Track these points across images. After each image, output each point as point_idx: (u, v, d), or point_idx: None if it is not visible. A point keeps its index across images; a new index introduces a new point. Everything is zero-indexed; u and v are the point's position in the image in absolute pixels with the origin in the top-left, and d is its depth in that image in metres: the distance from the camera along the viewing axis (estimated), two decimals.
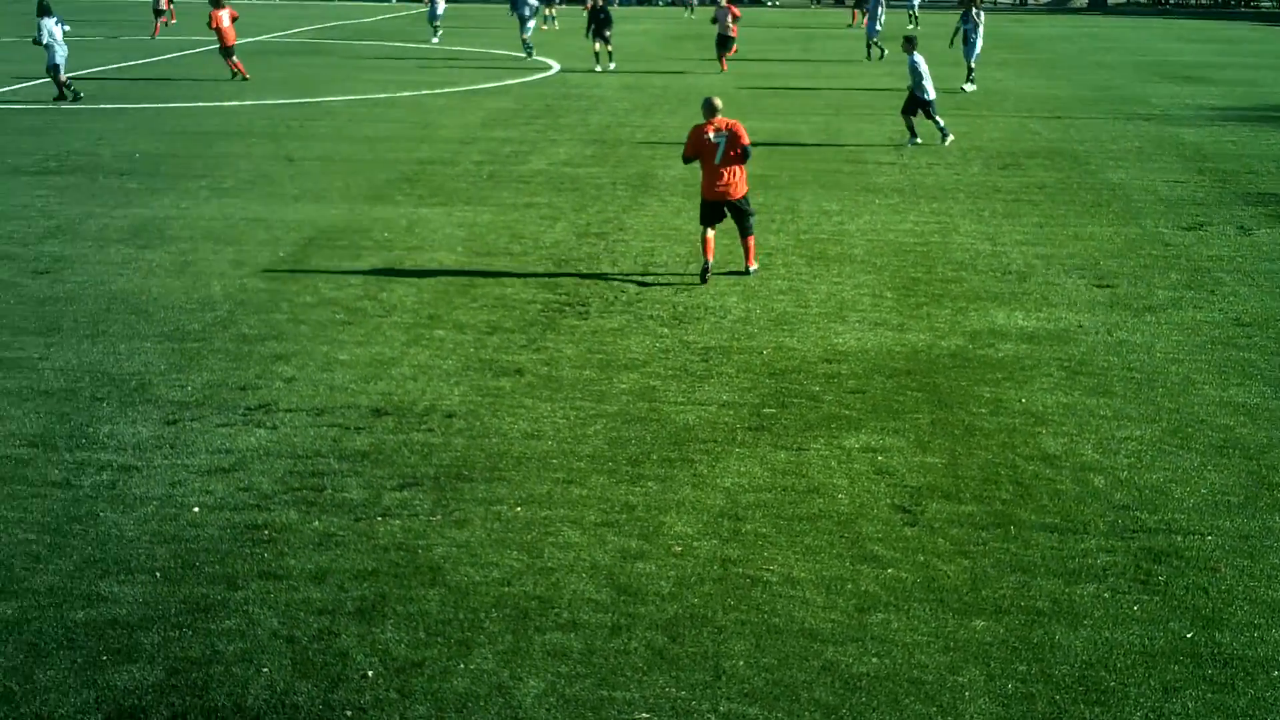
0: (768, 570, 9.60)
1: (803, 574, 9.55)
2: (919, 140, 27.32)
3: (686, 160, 17.11)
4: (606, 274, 17.41)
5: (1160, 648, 8.66)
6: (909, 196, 22.44)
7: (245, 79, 37.90)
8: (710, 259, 16.97)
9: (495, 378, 13.52)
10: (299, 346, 14.42)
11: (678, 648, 8.59)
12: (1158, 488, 11.02)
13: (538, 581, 9.42)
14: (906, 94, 27.56)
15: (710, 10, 43.94)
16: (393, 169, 24.60)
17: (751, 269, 17.28)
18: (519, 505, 10.60)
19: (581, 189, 22.95)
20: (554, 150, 26.92)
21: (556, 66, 42.99)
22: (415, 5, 69.45)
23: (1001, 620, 8.95)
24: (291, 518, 10.36)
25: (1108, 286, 16.93)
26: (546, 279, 17.18)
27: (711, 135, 16.69)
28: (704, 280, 16.85)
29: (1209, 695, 8.16)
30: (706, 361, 14.02)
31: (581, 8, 60.53)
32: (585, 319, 15.47)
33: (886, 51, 44.98)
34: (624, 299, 16.27)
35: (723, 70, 41.47)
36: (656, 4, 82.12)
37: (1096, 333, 15.08)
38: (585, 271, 17.56)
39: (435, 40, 51.05)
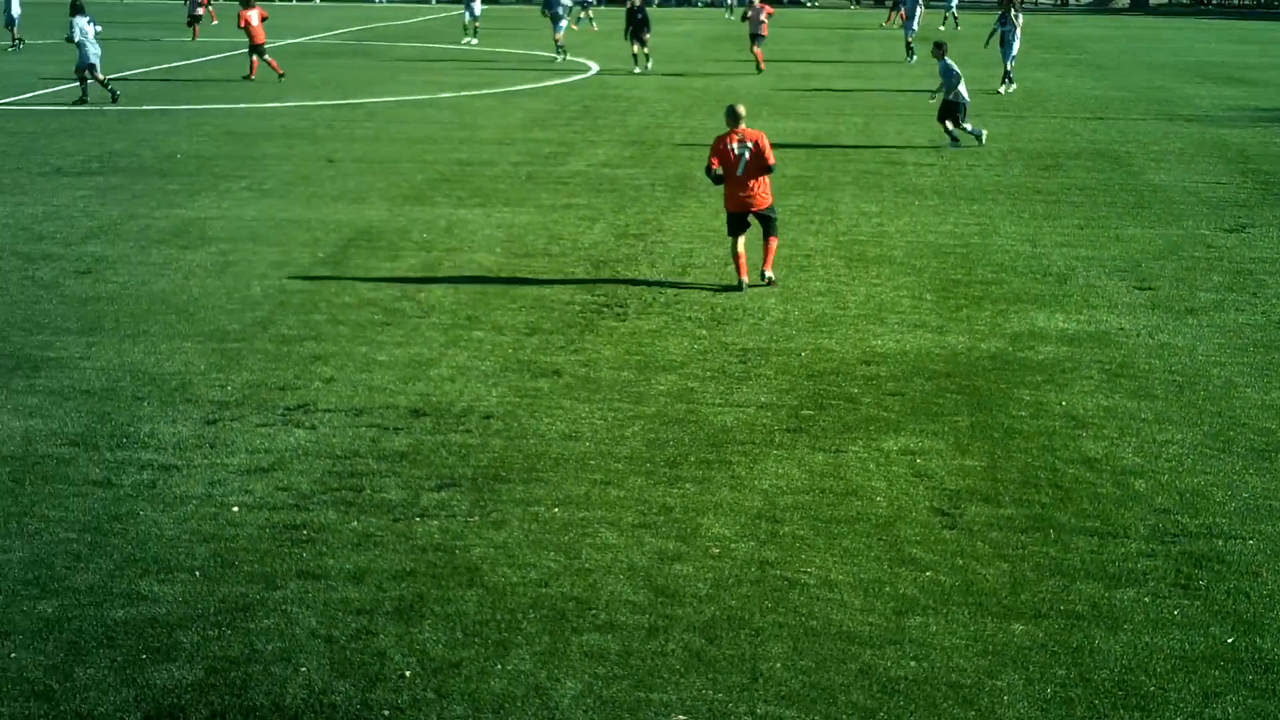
0: (805, 573, 9.57)
1: (840, 576, 9.52)
2: (960, 143, 27.20)
3: (711, 174, 16.42)
4: (645, 275, 17.41)
5: (1200, 652, 8.60)
6: (949, 198, 22.36)
7: (279, 77, 38.13)
8: (745, 278, 16.66)
9: (533, 379, 13.53)
10: (338, 347, 14.47)
11: (715, 650, 8.58)
12: (1199, 491, 10.94)
13: (575, 582, 9.42)
14: (940, 100, 27.38)
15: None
16: (432, 170, 24.66)
17: (767, 274, 16.71)
18: (556, 506, 10.61)
19: (620, 190, 22.96)
20: (593, 151, 26.94)
21: (595, 68, 43.03)
22: (455, 7, 69.62)
23: (1040, 624, 8.90)
24: (330, 518, 10.40)
25: (1149, 289, 16.83)
26: (585, 280, 17.19)
27: (735, 147, 16.42)
28: (741, 289, 16.65)
29: (1249, 701, 8.09)
30: (745, 363, 14.00)
31: (620, 8, 60.54)
32: (623, 320, 15.48)
33: (916, 57, 44.71)
34: (662, 300, 16.26)
35: (760, 70, 41.24)
36: (695, 5, 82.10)
37: (1138, 335, 14.99)
38: (624, 273, 17.57)
39: (473, 42, 51.09)
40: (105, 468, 11.31)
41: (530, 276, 17.34)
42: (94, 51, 32.60)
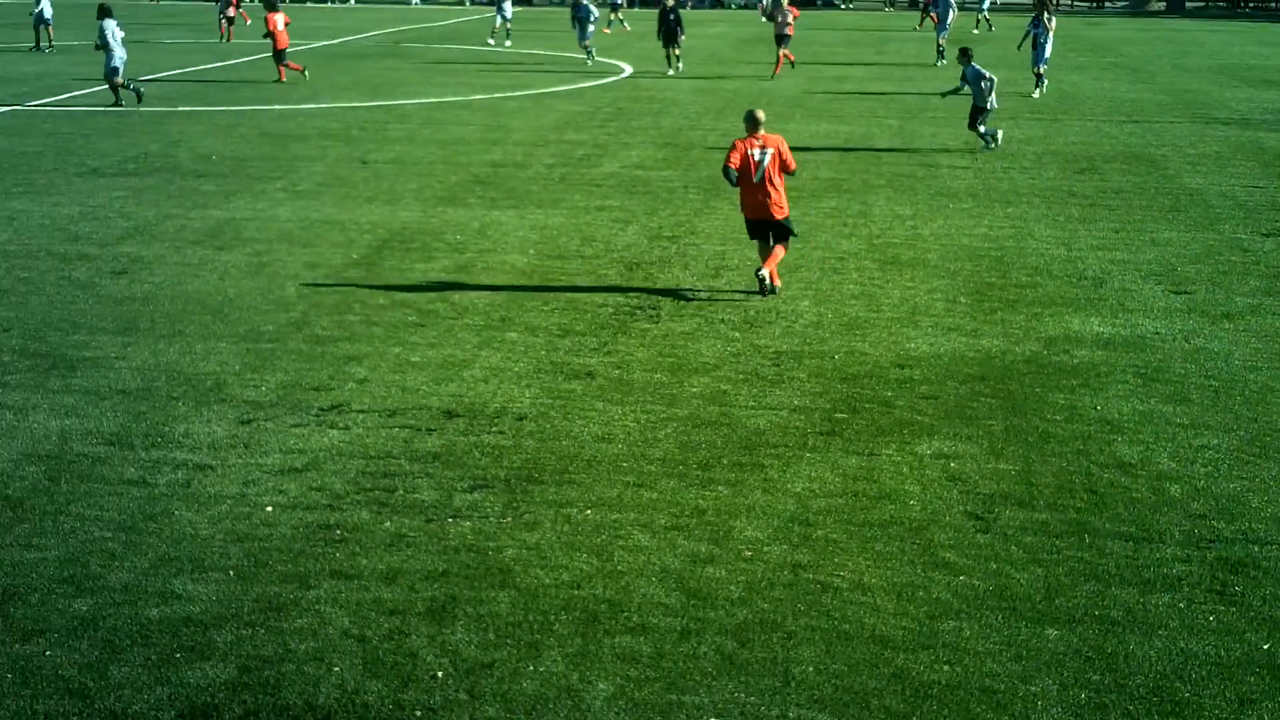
0: (838, 576, 9.55)
1: (874, 580, 9.50)
2: (991, 145, 27.10)
3: (729, 174, 16.01)
4: (678, 277, 17.40)
5: (1236, 659, 8.54)
6: (983, 201, 22.29)
7: (303, 75, 38.33)
8: (777, 283, 16.62)
9: (566, 380, 13.54)
10: (371, 348, 14.51)
11: (747, 653, 8.57)
12: (1235, 497, 10.87)
13: (607, 584, 9.42)
14: (952, 95, 27.30)
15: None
16: (465, 171, 24.71)
17: (763, 273, 16.24)
18: (589, 508, 10.61)
19: (653, 192, 22.96)
20: (626, 153, 26.95)
21: (628, 70, 43.04)
22: (489, 9, 69.73)
23: (1075, 629, 8.86)
24: (363, 518, 10.42)
25: (1185, 293, 16.74)
26: (618, 282, 17.19)
27: (755, 153, 16.08)
28: (772, 290, 16.62)
29: None
30: (778, 366, 13.98)
31: (654, 10, 60.49)
32: (656, 322, 15.47)
33: (946, 60, 44.45)
34: (695, 302, 16.26)
35: (776, 72, 40.77)
36: (729, 7, 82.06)
37: (1173, 340, 14.91)
38: (656, 275, 17.56)
39: (506, 44, 51.09)
40: (140, 467, 11.37)
41: (563, 278, 17.36)
42: (120, 56, 32.68)
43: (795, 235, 16.91)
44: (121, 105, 32.67)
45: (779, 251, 16.52)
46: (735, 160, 16.09)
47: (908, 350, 14.48)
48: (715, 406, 12.82)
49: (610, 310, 15.93)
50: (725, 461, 11.53)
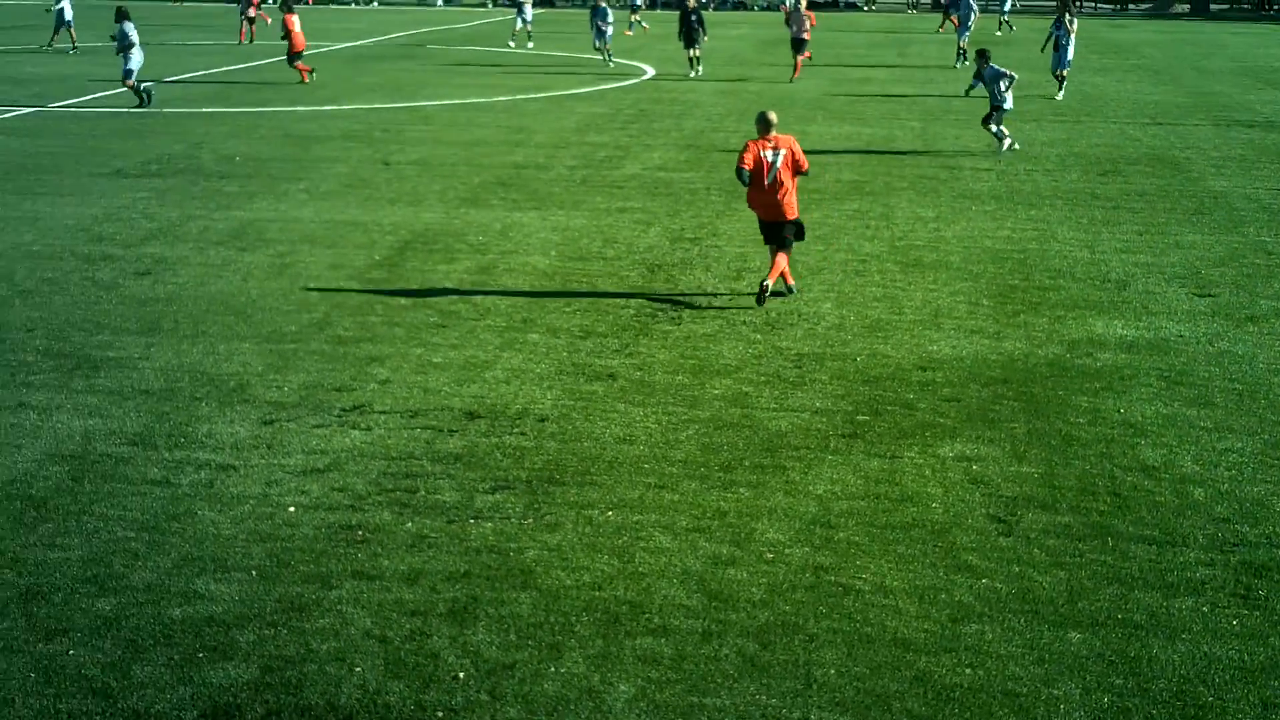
0: (860, 579, 9.54)
1: (896, 583, 9.48)
2: (1016, 145, 27.03)
3: (743, 175, 15.85)
4: (700, 279, 17.39)
5: (1260, 663, 8.51)
6: (1006, 203, 22.24)
7: (310, 79, 38.43)
8: (791, 282, 16.62)
9: (588, 382, 13.55)
10: (394, 349, 14.53)
11: (769, 655, 8.56)
12: (1259, 501, 10.83)
13: (629, 586, 9.42)
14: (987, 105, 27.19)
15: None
16: (487, 173, 24.74)
17: (768, 285, 15.93)
18: (610, 509, 10.61)
19: (675, 194, 22.96)
20: (648, 155, 26.95)
21: (650, 71, 43.04)
22: (510, 11, 69.79)
23: (1098, 633, 8.83)
24: (385, 519, 10.44)
25: (1209, 296, 16.68)
26: (640, 284, 17.19)
27: (768, 154, 15.95)
28: (790, 292, 16.58)
29: None
30: (800, 368, 13.97)
31: (676, 11, 60.45)
32: (678, 324, 15.47)
33: (966, 63, 44.21)
34: (717, 304, 16.25)
35: (795, 76, 40.50)
36: (752, 9, 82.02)
37: (1197, 343, 14.86)
38: (678, 277, 17.56)
39: (525, 46, 51.07)
40: (163, 467, 11.41)
41: (585, 280, 17.37)
42: (137, 60, 32.69)
43: (803, 239, 16.77)
44: (146, 106, 32.75)
45: (780, 261, 16.18)
46: (749, 162, 15.94)
47: (930, 353, 14.45)
48: (737, 408, 12.82)
49: (632, 312, 15.93)
50: (747, 463, 11.52)
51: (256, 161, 25.80)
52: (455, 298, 16.50)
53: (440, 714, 7.95)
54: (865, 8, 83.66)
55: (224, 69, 42.62)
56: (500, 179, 24.20)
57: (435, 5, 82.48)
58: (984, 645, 8.69)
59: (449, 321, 15.52)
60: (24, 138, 28.47)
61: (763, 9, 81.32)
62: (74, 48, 46.75)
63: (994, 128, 26.80)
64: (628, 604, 9.18)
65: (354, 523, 10.37)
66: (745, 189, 16.34)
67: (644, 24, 59.01)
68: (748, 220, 20.74)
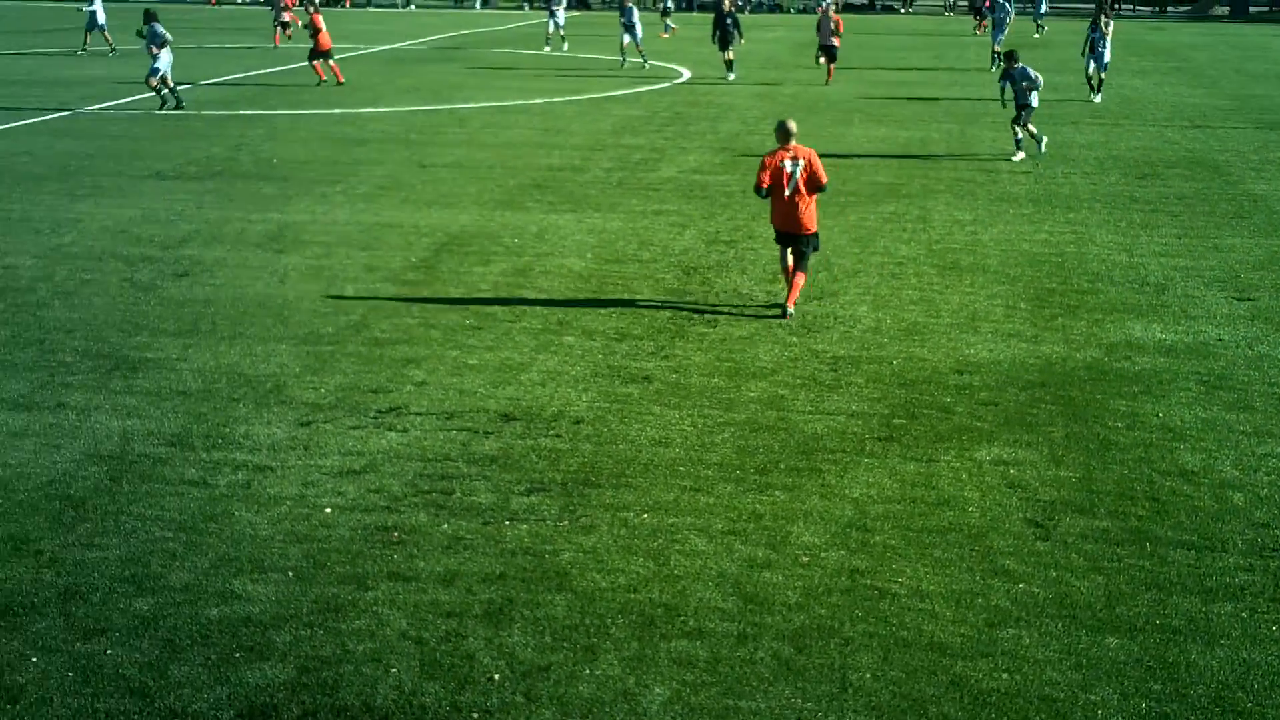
0: (896, 582, 9.50)
1: (932, 587, 9.44)
2: (1044, 142, 26.85)
3: (761, 192, 15.77)
4: (735, 282, 17.37)
5: None
6: (1044, 206, 22.14)
7: (320, 83, 38.47)
8: (790, 307, 16.06)
9: (623, 384, 13.55)
10: (429, 351, 14.56)
11: (804, 659, 8.54)
12: None
13: (664, 589, 9.41)
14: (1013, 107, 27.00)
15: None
16: (523, 175, 24.77)
17: (789, 311, 15.77)
18: (646, 512, 10.60)
19: (711, 197, 22.95)
20: (683, 158, 26.94)
21: (686, 74, 43.03)
22: (545, 14, 69.83)
23: (1136, 638, 8.78)
24: (421, 520, 10.46)
25: (1248, 299, 16.57)
26: (675, 286, 17.19)
27: (787, 165, 15.70)
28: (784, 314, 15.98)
29: None
30: (835, 371, 13.93)
31: (711, 14, 60.35)
32: (713, 327, 15.46)
33: (1002, 65, 43.94)
34: (753, 307, 16.22)
35: (829, 79, 40.28)
36: (789, 11, 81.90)
37: (1237, 346, 14.76)
38: (714, 279, 17.54)
39: (561, 49, 51.10)
40: (201, 468, 11.46)
41: (620, 282, 17.37)
42: (165, 61, 32.80)
43: (817, 250, 16.33)
44: (168, 109, 32.90)
45: (799, 282, 15.98)
46: (765, 179, 15.75)
47: (967, 356, 14.40)
48: (773, 411, 12.80)
49: (667, 314, 15.92)
50: (782, 466, 11.50)
51: (294, 164, 25.90)
52: (491, 300, 16.52)
53: (475, 715, 7.95)
54: (902, 10, 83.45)
55: (261, 71, 42.81)
56: (536, 181, 24.23)
57: (475, 8, 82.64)
58: (1021, 650, 8.64)
59: (485, 323, 15.54)
60: (64, 140, 28.67)
61: (798, 11, 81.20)
62: (112, 50, 46.98)
63: (1026, 129, 26.53)
64: (663, 606, 9.17)
65: (390, 524, 10.39)
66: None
67: (672, 25, 58.93)
68: None
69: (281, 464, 11.53)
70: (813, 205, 15.93)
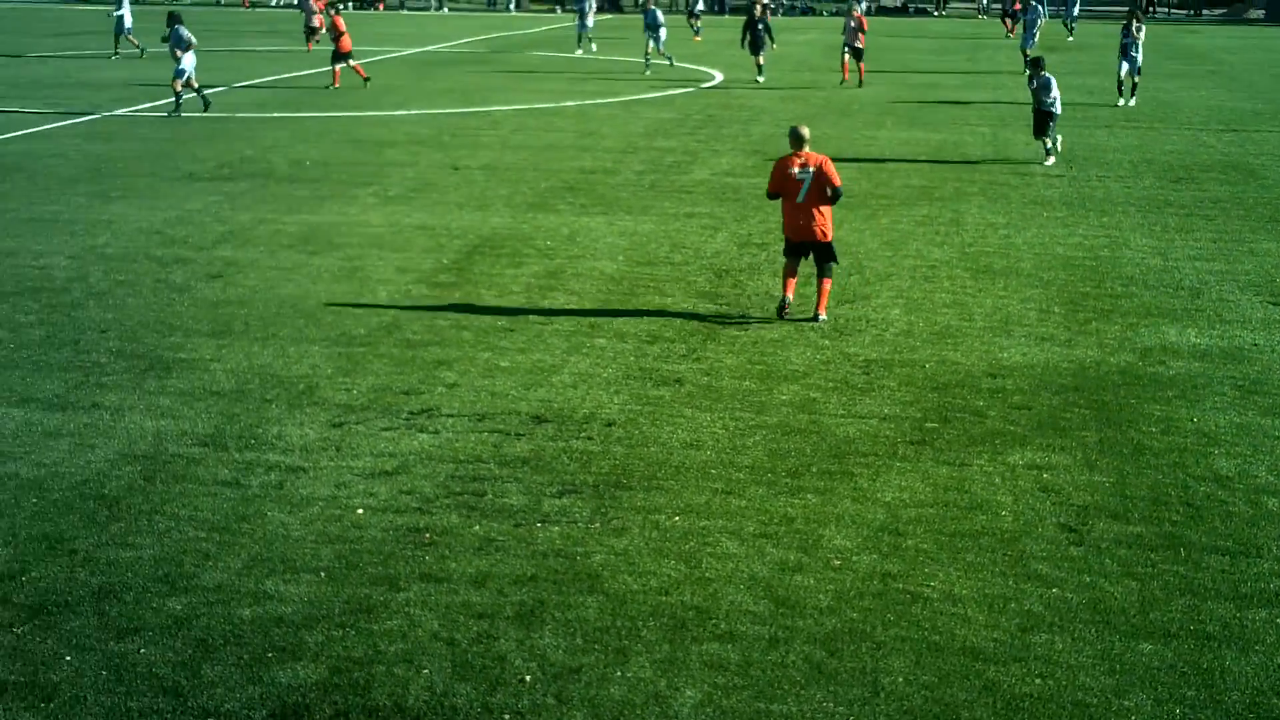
0: (928, 586, 9.47)
1: (964, 591, 9.41)
2: (1052, 159, 26.58)
3: (770, 197, 15.98)
4: (767, 285, 17.34)
5: None
6: (1078, 209, 22.05)
7: (329, 88, 38.45)
8: (789, 296, 15.92)
9: (655, 387, 13.54)
10: (461, 352, 14.58)
11: (836, 662, 8.51)
12: None
13: (695, 591, 9.40)
14: (1033, 115, 26.81)
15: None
16: (555, 178, 24.80)
17: (821, 318, 15.64)
18: (677, 515, 10.59)
19: (743, 199, 22.92)
20: (716, 160, 26.93)
21: (719, 76, 43.00)
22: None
23: (1170, 644, 8.73)
24: (453, 521, 10.47)
25: None
26: (707, 289, 17.18)
27: (796, 171, 15.59)
28: (781, 316, 15.86)
29: None
30: (868, 374, 13.90)
31: (742, 18, 60.26)
32: (746, 329, 15.44)
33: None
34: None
35: (860, 80, 40.10)
36: (820, 14, 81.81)
37: (1272, 351, 14.67)
38: (746, 282, 17.53)
39: (590, 50, 51.10)
40: (234, 468, 11.50)
41: (652, 285, 17.36)
42: (190, 63, 32.83)
43: (837, 262, 16.07)
44: (210, 105, 33.01)
45: (826, 288, 15.87)
46: (773, 186, 15.80)
47: (1000, 360, 14.34)
48: (804, 414, 12.77)
49: (699, 317, 15.91)
50: (814, 470, 11.48)
51: (326, 166, 25.98)
52: (523, 302, 16.54)
53: (507, 717, 7.95)
54: (935, 13, 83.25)
55: (293, 74, 42.96)
56: (568, 184, 24.25)
57: (510, 10, 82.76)
58: (1054, 655, 8.60)
59: (516, 326, 15.56)
60: (98, 142, 28.83)
61: (831, 14, 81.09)
62: (141, 52, 47.12)
63: (1053, 137, 26.40)
64: (694, 609, 9.16)
65: (422, 525, 10.41)
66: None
67: (699, 30, 58.84)
68: None
69: (314, 465, 11.57)
70: (828, 214, 15.77)
